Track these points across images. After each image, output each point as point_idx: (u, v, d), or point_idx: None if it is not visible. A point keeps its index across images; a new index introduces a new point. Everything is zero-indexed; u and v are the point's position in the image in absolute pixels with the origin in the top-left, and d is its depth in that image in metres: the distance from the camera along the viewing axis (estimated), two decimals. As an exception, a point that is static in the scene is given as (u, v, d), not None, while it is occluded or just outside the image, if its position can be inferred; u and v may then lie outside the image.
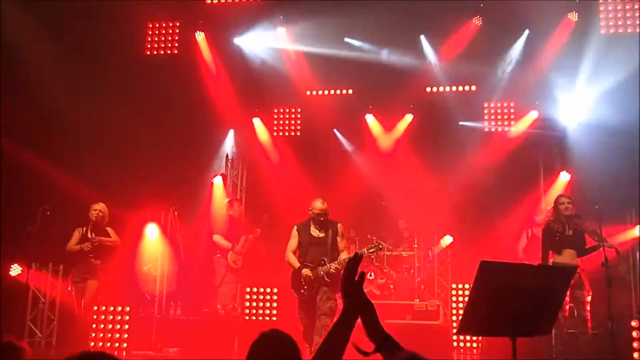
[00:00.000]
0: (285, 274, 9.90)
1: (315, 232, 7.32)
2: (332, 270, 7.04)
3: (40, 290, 9.36)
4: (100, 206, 8.45)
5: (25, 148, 9.35)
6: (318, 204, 7.32)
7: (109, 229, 8.51)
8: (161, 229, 10.31)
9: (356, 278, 2.21)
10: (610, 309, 6.67)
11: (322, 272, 7.09)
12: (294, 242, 7.36)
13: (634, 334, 7.45)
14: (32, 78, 9.68)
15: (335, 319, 2.29)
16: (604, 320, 7.62)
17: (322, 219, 7.25)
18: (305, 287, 7.13)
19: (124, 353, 8.06)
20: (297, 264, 7.22)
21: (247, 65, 11.34)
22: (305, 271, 7.13)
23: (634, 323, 7.57)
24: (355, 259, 2.22)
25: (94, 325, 8.37)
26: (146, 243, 10.37)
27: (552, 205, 7.91)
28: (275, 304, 9.63)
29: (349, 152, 11.67)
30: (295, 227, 7.44)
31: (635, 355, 7.40)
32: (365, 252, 7.35)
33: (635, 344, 7.42)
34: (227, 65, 11.43)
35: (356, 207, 10.11)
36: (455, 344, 9.32)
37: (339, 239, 7.32)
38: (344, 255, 7.20)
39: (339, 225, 7.39)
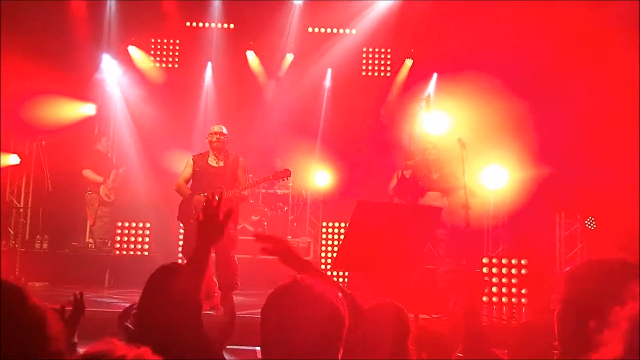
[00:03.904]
0: (158, 209, 9.84)
1: (213, 161, 6.84)
2: (230, 194, 6.51)
3: None
4: None
5: None
6: (215, 128, 6.86)
7: None
8: (25, 158, 9.74)
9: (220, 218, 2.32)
10: (466, 248, 7.27)
11: (217, 198, 6.49)
12: (187, 171, 6.85)
13: (484, 269, 8.21)
14: None
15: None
16: (459, 257, 8.33)
17: (217, 139, 6.75)
18: (196, 216, 6.33)
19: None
20: (188, 192, 6.73)
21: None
22: (198, 197, 6.55)
23: (484, 260, 8.34)
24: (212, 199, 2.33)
25: (-50, 259, 7.93)
26: (7, 173, 9.78)
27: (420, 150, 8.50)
28: (147, 239, 9.56)
29: (225, 86, 11.50)
30: (191, 157, 6.97)
31: (486, 289, 8.17)
32: (271, 177, 6.98)
33: (486, 278, 8.18)
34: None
35: (231, 145, 10.14)
36: (323, 278, 9.78)
37: (239, 172, 6.84)
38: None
39: (241, 158, 6.93)
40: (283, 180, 7.63)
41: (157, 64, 11.42)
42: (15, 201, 9.78)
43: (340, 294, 1.79)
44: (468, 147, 7.13)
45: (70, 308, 3.00)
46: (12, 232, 9.49)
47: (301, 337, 1.64)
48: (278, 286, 1.79)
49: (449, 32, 10.25)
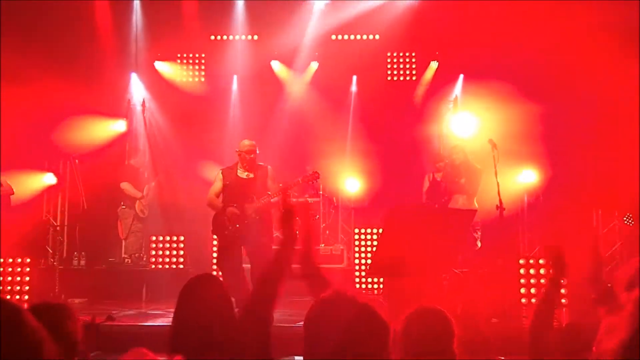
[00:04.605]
0: (191, 222, 9.93)
1: (242, 173, 6.86)
2: (262, 202, 6.60)
3: None
4: None
5: None
6: (245, 142, 6.90)
7: (0, 178, 8.35)
8: (60, 178, 9.92)
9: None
10: (499, 248, 7.19)
11: (250, 210, 6.63)
12: (217, 185, 6.86)
13: (521, 271, 8.08)
14: None
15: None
16: (494, 258, 8.22)
17: (251, 156, 6.78)
18: (230, 227, 6.64)
19: (26, 306, 7.83)
20: (219, 205, 6.75)
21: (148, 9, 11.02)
22: (231, 209, 6.63)
23: (521, 261, 8.21)
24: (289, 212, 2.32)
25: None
26: (44, 192, 9.98)
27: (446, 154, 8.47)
28: (182, 252, 9.66)
29: (253, 99, 11.58)
30: (220, 171, 6.99)
31: (522, 290, 8.04)
32: (300, 181, 7.11)
33: (522, 280, 8.05)
34: (125, 7, 11.02)
35: (261, 156, 10.21)
36: (357, 285, 9.76)
37: (269, 181, 6.88)
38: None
39: (269, 167, 6.98)
40: (312, 182, 7.63)
41: (185, 77, 11.56)
42: (52, 220, 9.96)
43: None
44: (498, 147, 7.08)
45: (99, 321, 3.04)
46: (51, 250, 9.67)
47: (347, 348, 1.63)
48: (320, 299, 1.78)
49: (473, 33, 10.17)
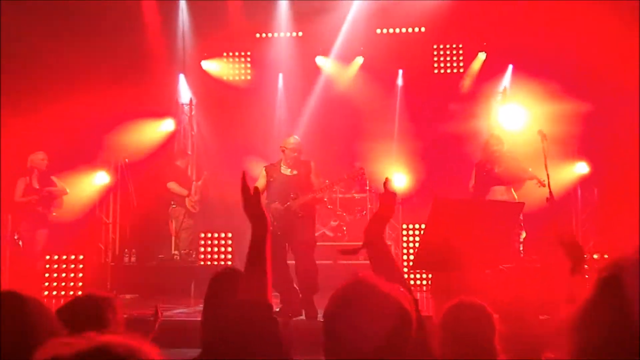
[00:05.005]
0: (238, 219, 10.00)
1: (286, 170, 6.86)
2: (306, 198, 6.66)
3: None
4: (43, 155, 8.58)
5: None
6: (291, 140, 6.94)
7: (54, 178, 8.62)
8: (112, 177, 10.14)
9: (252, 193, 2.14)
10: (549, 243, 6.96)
11: (294, 206, 6.66)
12: (261, 182, 6.80)
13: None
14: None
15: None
16: (544, 253, 7.97)
17: (295, 154, 6.80)
18: (275, 223, 6.53)
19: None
20: (264, 202, 6.76)
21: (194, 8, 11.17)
22: (275, 205, 6.64)
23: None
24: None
25: (46, 275, 8.38)
26: (96, 191, 10.20)
27: (483, 144, 8.26)
28: (230, 249, 9.72)
29: (298, 95, 11.59)
30: (264, 168, 7.02)
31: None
32: (346, 177, 7.23)
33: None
34: (172, 7, 11.20)
35: (308, 152, 10.18)
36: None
37: (313, 177, 6.89)
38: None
39: (312, 163, 6.97)
40: (358, 178, 7.61)
41: (231, 75, 11.68)
42: (104, 217, 10.20)
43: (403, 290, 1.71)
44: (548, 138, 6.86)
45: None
46: (103, 248, 9.91)
47: (368, 338, 1.57)
48: (340, 286, 1.71)
49: (522, 21, 9.91)
